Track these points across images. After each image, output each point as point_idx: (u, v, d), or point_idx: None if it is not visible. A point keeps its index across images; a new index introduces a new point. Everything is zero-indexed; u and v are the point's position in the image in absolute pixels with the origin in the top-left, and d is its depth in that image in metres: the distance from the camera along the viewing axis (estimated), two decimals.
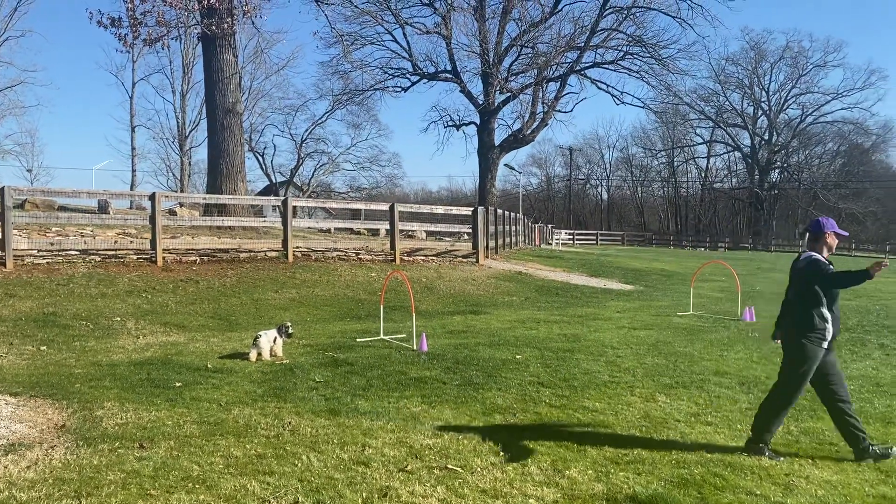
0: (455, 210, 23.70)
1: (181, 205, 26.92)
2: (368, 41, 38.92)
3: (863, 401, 6.07)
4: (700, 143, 74.87)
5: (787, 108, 68.74)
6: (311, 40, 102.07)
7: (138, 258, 13.80)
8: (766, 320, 11.10)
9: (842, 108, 66.70)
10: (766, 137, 69.28)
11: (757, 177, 68.89)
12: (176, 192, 51.64)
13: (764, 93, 68.76)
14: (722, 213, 77.54)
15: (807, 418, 5.54)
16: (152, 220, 13.74)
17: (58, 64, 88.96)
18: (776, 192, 70.22)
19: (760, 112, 69.60)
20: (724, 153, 74.95)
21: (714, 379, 6.85)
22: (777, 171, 71.15)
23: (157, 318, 10.56)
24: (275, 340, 7.79)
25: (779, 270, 25.26)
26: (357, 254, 17.21)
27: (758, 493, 4.04)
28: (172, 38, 22.14)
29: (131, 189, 51.22)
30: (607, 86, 41.49)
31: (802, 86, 67.18)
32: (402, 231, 19.22)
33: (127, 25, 19.14)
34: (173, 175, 58.23)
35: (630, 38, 39.32)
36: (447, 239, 25.05)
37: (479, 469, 4.37)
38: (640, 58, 39.62)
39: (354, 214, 37.70)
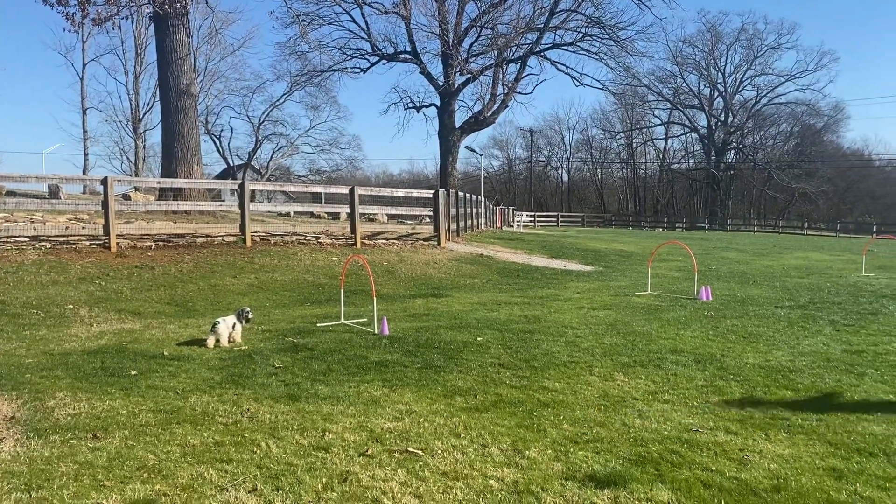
0: (416, 193, 23.61)
1: (136, 189, 26.40)
2: (326, 21, 38.52)
3: (814, 376, 6.23)
4: (658, 125, 75.99)
5: (743, 89, 70.11)
6: (268, 20, 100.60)
7: (91, 244, 13.48)
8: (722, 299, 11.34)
9: (795, 90, 68.32)
10: (722, 119, 70.48)
11: (713, 157, 70.09)
12: (130, 176, 50.56)
13: (720, 74, 69.94)
14: (679, 193, 78.82)
15: (761, 394, 5.66)
16: (105, 204, 13.42)
17: (2, 44, 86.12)
18: (732, 172, 71.58)
19: (716, 93, 70.79)
20: (682, 134, 76.23)
21: (671, 357, 6.95)
22: (733, 151, 72.52)
23: (112, 306, 10.33)
24: (233, 326, 7.68)
25: (734, 249, 25.80)
26: (317, 238, 17.06)
27: (713, 468, 4.12)
28: (123, 18, 21.58)
29: (84, 173, 49.97)
30: (567, 67, 41.76)
31: (757, 67, 68.61)
32: (363, 214, 19.11)
33: (75, 4, 18.56)
34: (127, 159, 57.11)
35: (589, 20, 39.53)
36: (409, 222, 25.00)
37: (439, 451, 4.38)
38: (599, 39, 39.92)
39: (315, 198, 37.40)
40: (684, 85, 70.76)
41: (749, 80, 69.35)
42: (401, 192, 23.18)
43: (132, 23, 45.36)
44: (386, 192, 24.53)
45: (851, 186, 71.38)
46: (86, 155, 53.64)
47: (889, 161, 78.77)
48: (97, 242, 13.54)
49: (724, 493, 3.77)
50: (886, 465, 4.17)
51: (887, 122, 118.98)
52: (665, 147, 77.23)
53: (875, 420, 5.00)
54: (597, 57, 40.41)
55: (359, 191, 17.30)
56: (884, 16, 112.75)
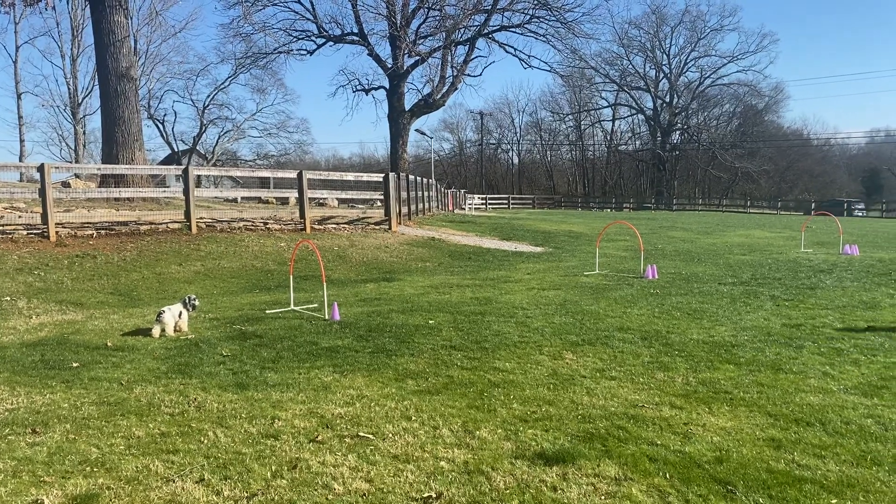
0: (366, 177, 23.44)
1: (76, 176, 25.57)
2: (270, 2, 37.80)
3: (755, 350, 6.41)
4: (605, 107, 76.89)
5: (687, 70, 71.44)
6: (210, 1, 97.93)
7: (29, 234, 13.03)
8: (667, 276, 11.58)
9: (737, 71, 70.02)
10: (668, 100, 71.65)
11: (659, 138, 71.29)
12: (70, 162, 48.99)
13: (665, 56, 71.09)
14: (627, 174, 79.97)
15: (704, 369, 5.80)
16: (42, 192, 12.97)
17: None
18: (677, 153, 72.98)
19: (662, 75, 71.94)
20: (628, 116, 77.33)
21: (618, 335, 7.08)
22: (678, 132, 73.91)
23: (52, 297, 10.02)
24: (179, 315, 7.53)
25: (679, 228, 26.34)
26: (265, 223, 16.81)
27: (658, 442, 4.21)
28: None
29: (20, 160, 48.24)
30: (515, 49, 41.92)
31: (700, 49, 69.92)
32: (312, 199, 18.89)
33: None
34: (67, 145, 55.34)
35: (536, 1, 39.63)
36: (359, 206, 24.79)
37: (390, 435, 4.37)
38: (546, 21, 40.06)
39: (262, 183, 36.78)
40: (630, 67, 71.80)
41: (693, 62, 70.75)
42: (351, 177, 22.96)
43: (67, 3, 43.77)
44: (336, 176, 24.27)
45: (791, 165, 73.46)
46: (22, 141, 51.73)
47: (826, 140, 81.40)
48: (35, 232, 13.10)
49: (668, 467, 3.86)
50: (822, 434, 4.32)
51: (825, 102, 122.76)
52: (612, 129, 78.29)
53: (812, 391, 5.18)
54: (544, 39, 40.60)
55: (307, 175, 17.08)
56: None
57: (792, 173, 74.45)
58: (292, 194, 19.44)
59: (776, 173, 72.35)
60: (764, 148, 70.55)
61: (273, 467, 3.89)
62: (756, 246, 18.77)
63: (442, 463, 3.95)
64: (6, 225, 13.14)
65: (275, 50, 40.48)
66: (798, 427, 4.45)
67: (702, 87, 70.81)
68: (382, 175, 19.54)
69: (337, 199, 25.88)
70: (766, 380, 5.47)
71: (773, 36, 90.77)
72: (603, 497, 3.53)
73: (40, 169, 13.16)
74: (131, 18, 24.45)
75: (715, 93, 71.86)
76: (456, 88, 41.25)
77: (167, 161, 56.02)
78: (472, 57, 41.46)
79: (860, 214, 51.17)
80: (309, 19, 39.52)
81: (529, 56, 50.80)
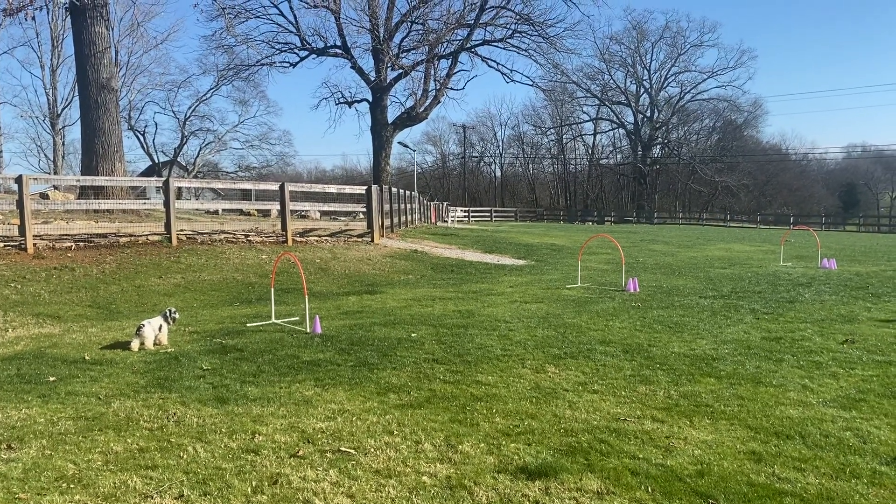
0: (349, 189, 23.41)
1: (55, 188, 25.33)
2: (253, 14, 37.75)
3: (736, 363, 6.46)
4: (587, 121, 77.48)
5: (667, 86, 72.34)
6: (192, 13, 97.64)
7: (5, 246, 12.85)
8: (648, 290, 11.64)
9: (717, 87, 71.10)
10: (648, 114, 72.42)
11: (640, 152, 71.94)
12: (48, 174, 48.52)
13: (645, 71, 71.91)
14: (608, 188, 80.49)
15: (686, 382, 5.83)
16: (20, 204, 12.82)
17: None
18: (658, 167, 73.63)
19: (642, 90, 72.74)
20: (610, 130, 78.00)
21: (600, 348, 7.10)
22: (658, 146, 74.65)
23: (29, 310, 9.88)
24: (159, 328, 7.45)
25: (660, 242, 26.52)
26: (246, 236, 16.71)
27: (640, 456, 4.22)
28: (36, 9, 20.61)
29: None
30: (497, 64, 42.07)
31: (681, 64, 70.88)
32: (294, 211, 18.82)
33: None
34: (45, 156, 54.76)
35: (518, 16, 39.93)
36: (342, 218, 24.74)
37: (372, 450, 4.35)
38: (529, 36, 40.37)
39: (244, 195, 36.62)
40: (612, 82, 72.51)
41: (673, 77, 71.71)
42: (333, 189, 22.93)
43: (47, 14, 43.44)
44: (318, 188, 24.21)
45: (770, 179, 74.37)
46: None
47: (804, 155, 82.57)
48: (12, 244, 12.93)
49: (650, 480, 3.86)
50: (802, 447, 4.35)
51: (803, 117, 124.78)
52: (594, 142, 78.92)
53: (791, 404, 5.22)
54: (526, 53, 40.90)
55: (289, 187, 17.02)
56: (796, 14, 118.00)
57: (771, 187, 75.35)
58: (274, 206, 19.37)
59: (755, 187, 73.22)
60: (743, 162, 71.46)
61: (253, 483, 3.85)
62: (736, 259, 18.94)
63: (424, 478, 3.93)
64: None
65: (257, 62, 40.46)
66: (778, 440, 4.48)
67: (682, 102, 71.73)
68: (365, 187, 19.53)
69: (319, 211, 25.82)
70: (746, 393, 5.50)
71: (751, 52, 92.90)
72: None
73: (18, 180, 13.01)
74: (112, 29, 24.35)
75: (695, 108, 72.88)
76: (439, 102, 41.40)
77: (148, 173, 55.68)
78: (455, 71, 41.67)
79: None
80: (292, 32, 39.56)
81: (512, 70, 51.30)
